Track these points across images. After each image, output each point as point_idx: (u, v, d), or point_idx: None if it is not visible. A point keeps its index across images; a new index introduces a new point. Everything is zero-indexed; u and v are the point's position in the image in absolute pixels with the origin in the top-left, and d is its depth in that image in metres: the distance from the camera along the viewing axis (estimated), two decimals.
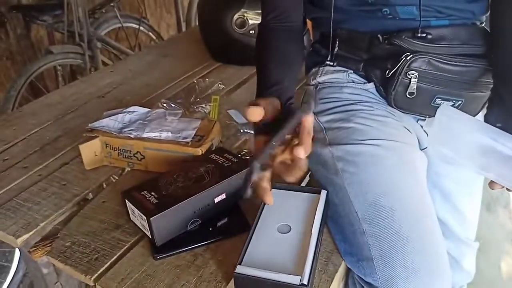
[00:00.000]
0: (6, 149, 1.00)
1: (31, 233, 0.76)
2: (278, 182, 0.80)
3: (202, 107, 1.10)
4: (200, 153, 0.85)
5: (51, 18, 1.96)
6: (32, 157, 0.96)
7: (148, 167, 0.90)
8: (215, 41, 1.38)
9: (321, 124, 0.82)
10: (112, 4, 2.21)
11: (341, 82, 0.85)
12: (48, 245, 0.75)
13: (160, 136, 0.88)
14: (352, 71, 0.84)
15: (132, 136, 0.88)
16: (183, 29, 2.71)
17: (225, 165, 0.80)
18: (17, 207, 0.82)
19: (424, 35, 0.74)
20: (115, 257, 0.71)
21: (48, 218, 0.79)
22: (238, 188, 0.70)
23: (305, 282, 0.59)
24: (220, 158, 0.82)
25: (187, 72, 1.34)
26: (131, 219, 0.76)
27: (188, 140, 0.87)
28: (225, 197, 0.76)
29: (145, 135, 0.88)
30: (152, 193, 0.73)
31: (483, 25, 0.81)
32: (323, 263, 0.71)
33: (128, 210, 0.76)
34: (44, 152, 0.98)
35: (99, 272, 0.69)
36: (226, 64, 1.38)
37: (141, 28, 2.42)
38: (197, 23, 1.58)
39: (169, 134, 0.88)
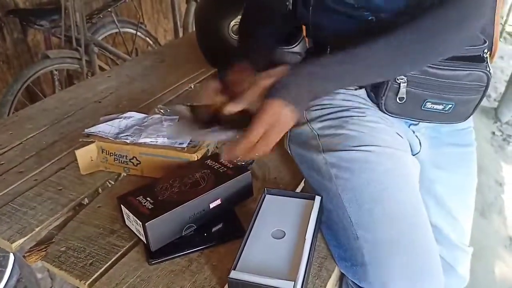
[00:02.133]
0: (2, 153, 1.00)
1: (26, 237, 0.76)
2: (272, 188, 0.80)
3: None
4: (196, 159, 0.86)
5: (48, 23, 1.97)
6: (28, 162, 0.96)
7: (144, 172, 0.90)
8: (211, 47, 1.39)
9: (314, 131, 0.83)
10: (109, 9, 2.22)
11: None
12: (43, 250, 0.75)
13: (156, 141, 0.89)
14: None
15: (128, 141, 0.89)
16: (180, 34, 2.72)
17: (221, 170, 0.81)
18: (13, 212, 0.82)
19: None
20: (110, 262, 0.72)
21: (43, 223, 0.79)
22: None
23: (298, 287, 0.60)
24: (216, 164, 0.83)
25: (184, 77, 1.35)
26: (126, 224, 0.77)
27: (184, 145, 0.88)
28: (220, 202, 0.77)
29: (141, 140, 0.89)
30: (148, 199, 0.74)
31: None
32: (317, 269, 0.72)
33: (123, 215, 0.76)
34: (40, 157, 0.98)
35: (93, 277, 0.69)
36: None
37: (138, 33, 2.43)
38: (194, 29, 1.59)
39: (165, 139, 0.89)
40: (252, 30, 0.85)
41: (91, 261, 0.72)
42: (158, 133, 0.91)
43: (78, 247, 0.75)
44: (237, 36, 1.28)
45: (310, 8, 0.80)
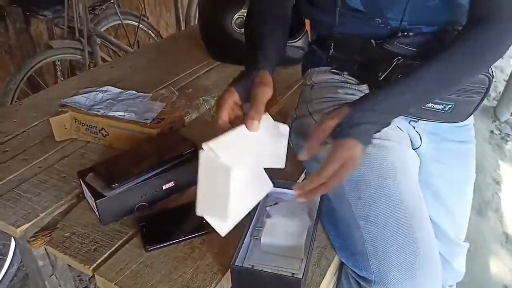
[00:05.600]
0: (6, 141, 1.01)
1: (30, 223, 0.78)
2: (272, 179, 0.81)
3: (205, 99, 1.14)
4: (156, 133, 0.90)
5: (51, 13, 1.96)
6: (32, 150, 0.97)
7: (112, 144, 0.95)
8: (214, 40, 1.40)
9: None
10: (112, 1, 2.22)
11: (336, 82, 0.87)
12: (48, 235, 0.76)
13: (124, 116, 0.94)
14: (346, 73, 0.86)
15: (99, 113, 0.94)
16: (183, 28, 2.72)
17: (181, 154, 0.82)
18: (17, 198, 0.83)
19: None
20: (113, 248, 0.73)
21: (47, 209, 0.81)
22: None
23: (299, 275, 0.61)
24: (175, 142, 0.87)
25: (186, 70, 1.35)
26: (85, 196, 0.81)
27: (148, 121, 0.92)
28: (173, 185, 0.81)
29: (111, 113, 0.94)
30: (104, 176, 0.78)
31: None
32: (317, 258, 0.73)
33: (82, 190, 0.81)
34: (44, 145, 0.99)
35: (97, 262, 0.70)
36: (225, 63, 1.40)
37: (141, 25, 2.43)
38: (196, 22, 1.59)
39: (133, 114, 0.94)
40: (261, 30, 0.84)
41: (95, 246, 0.73)
42: (128, 108, 0.96)
43: (82, 233, 0.76)
44: (241, 31, 1.29)
45: (324, 7, 0.81)
